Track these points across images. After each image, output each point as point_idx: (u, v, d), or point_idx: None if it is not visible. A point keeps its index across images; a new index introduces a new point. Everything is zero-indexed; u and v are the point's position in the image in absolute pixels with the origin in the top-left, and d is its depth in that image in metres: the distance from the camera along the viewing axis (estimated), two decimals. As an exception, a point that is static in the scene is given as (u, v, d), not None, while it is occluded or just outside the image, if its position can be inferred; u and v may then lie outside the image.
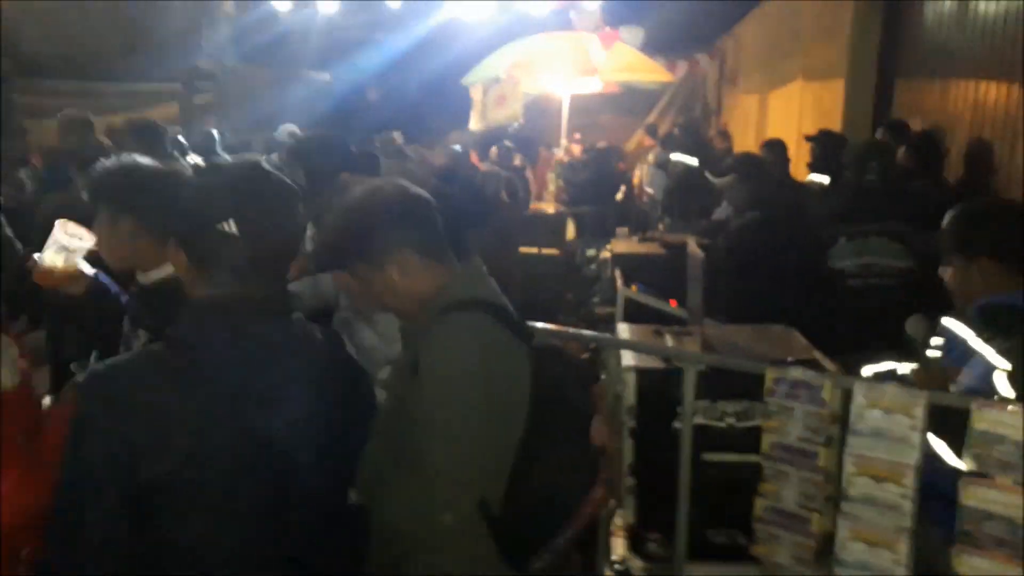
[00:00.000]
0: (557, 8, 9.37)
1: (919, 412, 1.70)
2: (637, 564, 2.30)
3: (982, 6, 5.10)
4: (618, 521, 2.45)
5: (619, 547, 2.39)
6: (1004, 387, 1.90)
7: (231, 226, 1.38)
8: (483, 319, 1.58)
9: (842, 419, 1.86)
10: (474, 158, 7.55)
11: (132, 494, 1.29)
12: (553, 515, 1.59)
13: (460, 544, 1.56)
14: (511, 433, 1.57)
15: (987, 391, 1.88)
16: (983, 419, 1.62)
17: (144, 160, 2.07)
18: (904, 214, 3.60)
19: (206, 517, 1.33)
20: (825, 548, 1.87)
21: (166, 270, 1.90)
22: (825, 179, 5.55)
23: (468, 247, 1.83)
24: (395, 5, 10.09)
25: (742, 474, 2.22)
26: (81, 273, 2.09)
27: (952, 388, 1.94)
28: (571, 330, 2.27)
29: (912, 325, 2.36)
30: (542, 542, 1.59)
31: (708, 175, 4.86)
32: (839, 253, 3.52)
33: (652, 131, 10.22)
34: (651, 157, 8.28)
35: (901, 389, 1.72)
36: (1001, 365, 1.91)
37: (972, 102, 5.10)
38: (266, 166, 1.47)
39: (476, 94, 8.43)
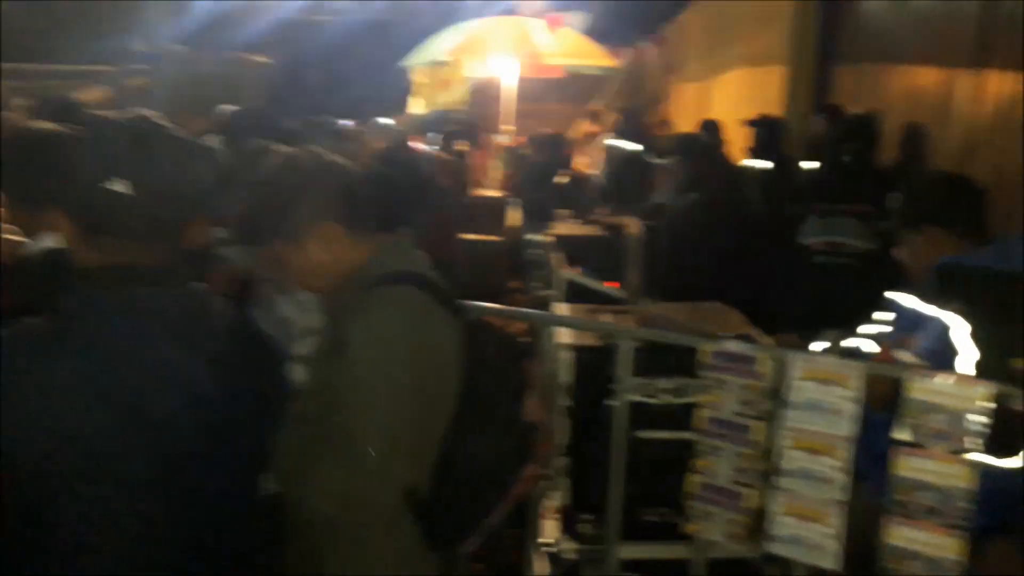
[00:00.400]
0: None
1: (854, 383, 1.66)
2: (569, 546, 2.23)
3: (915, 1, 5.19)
4: (550, 503, 2.38)
5: (551, 529, 2.32)
6: (965, 346, 1.92)
7: (120, 185, 1.25)
8: (413, 292, 1.49)
9: (777, 393, 1.82)
10: (417, 142, 7.40)
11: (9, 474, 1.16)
12: (483, 495, 1.51)
13: (386, 531, 1.47)
14: (441, 411, 1.48)
15: (946, 352, 1.90)
16: (918, 389, 1.58)
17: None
18: (875, 196, 3.64)
19: (88, 498, 1.21)
20: (758, 524, 1.83)
21: (48, 241, 1.75)
22: (766, 164, 5.59)
23: (404, 227, 1.73)
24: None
25: (676, 451, 2.18)
26: None
27: (908, 355, 1.93)
28: (506, 308, 2.18)
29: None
30: (472, 524, 1.51)
31: (650, 156, 4.83)
32: (809, 230, 3.57)
33: (596, 118, 10.19)
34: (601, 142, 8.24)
35: (836, 360, 1.68)
36: (957, 325, 1.93)
37: (907, 88, 5.17)
38: (156, 119, 1.34)
39: (419, 77, 8.27)
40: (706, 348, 1.84)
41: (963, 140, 4.41)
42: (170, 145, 1.31)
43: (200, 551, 1.33)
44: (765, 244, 3.64)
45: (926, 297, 2.12)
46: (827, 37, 6.73)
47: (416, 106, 8.50)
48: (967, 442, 1.53)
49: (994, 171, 3.78)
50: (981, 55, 4.33)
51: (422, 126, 7.95)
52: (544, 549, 2.22)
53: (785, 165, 5.78)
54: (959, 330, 1.94)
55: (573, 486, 2.31)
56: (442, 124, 7.92)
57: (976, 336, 1.90)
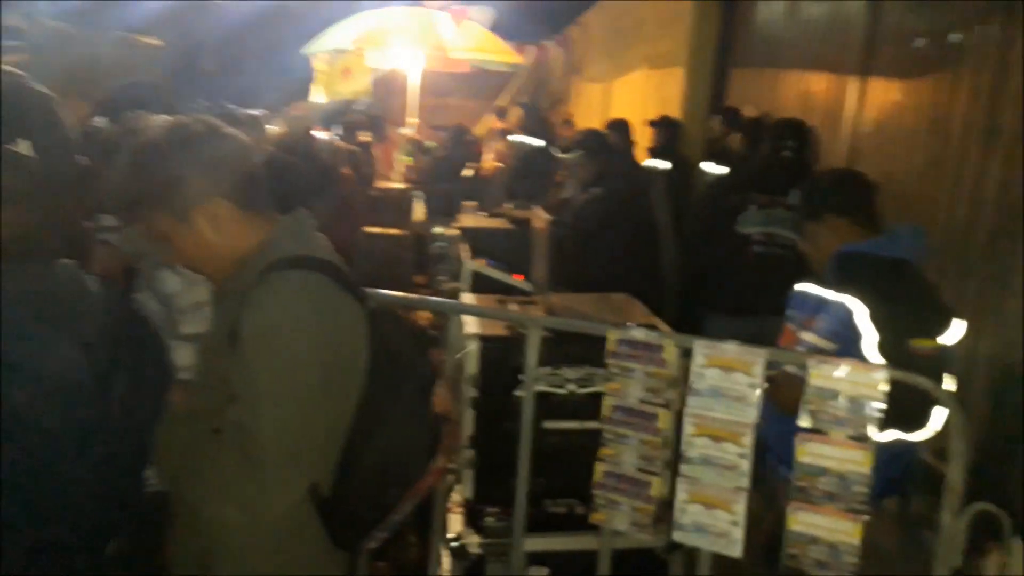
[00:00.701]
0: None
1: (758, 370, 1.67)
2: (474, 540, 2.18)
3: (810, 5, 5.40)
4: (455, 497, 2.32)
5: (456, 524, 2.26)
6: (867, 328, 2.03)
7: (25, 147, 1.12)
8: (315, 277, 1.38)
9: (683, 382, 1.82)
10: (318, 131, 7.19)
11: None
12: (390, 489, 1.43)
13: (288, 532, 1.37)
14: (345, 403, 1.39)
15: (850, 334, 1.99)
16: (818, 376, 1.61)
17: None
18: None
19: None
20: (663, 513, 1.83)
21: None
22: (666, 164, 5.71)
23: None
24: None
25: (581, 441, 2.16)
26: None
27: (808, 335, 2.01)
28: (413, 296, 2.10)
29: None
30: (377, 520, 1.43)
31: (554, 151, 4.85)
32: (749, 220, 3.77)
33: (502, 114, 10.19)
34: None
35: (740, 347, 1.69)
36: (858, 308, 2.04)
37: (801, 91, 5.38)
38: (23, 77, 1.21)
39: (320, 65, 8.04)
40: (612, 335, 1.83)
41: (850, 142, 4.62)
42: (45, 104, 1.18)
43: (71, 550, 1.20)
44: (696, 235, 3.83)
45: (828, 283, 2.22)
46: (725, 41, 6.94)
47: (318, 95, 8.25)
48: (865, 427, 1.57)
49: (878, 172, 3.98)
50: (867, 62, 4.55)
51: (324, 116, 7.73)
52: (449, 544, 2.17)
53: (684, 164, 5.93)
54: (861, 313, 2.04)
55: (478, 479, 2.26)
56: (344, 114, 7.72)
57: (875, 318, 2.01)
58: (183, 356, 1.88)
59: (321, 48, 8.10)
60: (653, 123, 6.33)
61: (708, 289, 3.87)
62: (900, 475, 2.22)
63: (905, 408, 1.80)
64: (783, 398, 1.74)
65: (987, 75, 3.53)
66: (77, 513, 1.20)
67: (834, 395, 1.59)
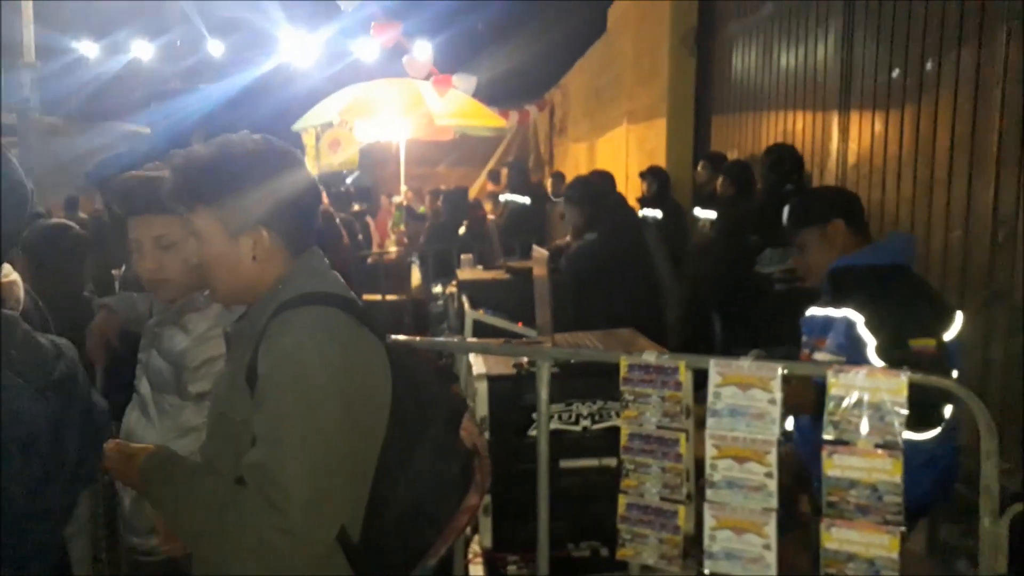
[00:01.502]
0: (388, 55, 9.34)
1: (775, 384, 1.64)
2: (496, 589, 2.10)
3: (784, 50, 5.55)
4: (474, 547, 2.24)
5: (478, 572, 2.18)
6: (868, 335, 2.05)
7: None
8: (332, 312, 1.33)
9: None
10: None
11: None
12: (422, 530, 1.35)
13: None
14: (372, 440, 1.32)
15: (856, 344, 1.98)
16: (837, 384, 1.58)
17: None
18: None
19: None
20: (693, 545, 1.77)
21: None
22: (657, 212, 5.77)
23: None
24: (217, 52, 9.69)
25: (601, 480, 2.11)
26: None
27: (820, 355, 2.00)
28: (419, 339, 2.08)
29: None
30: (411, 563, 1.36)
31: (548, 205, 4.89)
32: (766, 260, 3.95)
33: (495, 177, 10.34)
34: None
35: (754, 363, 1.66)
36: (858, 319, 2.06)
37: (784, 131, 5.47)
38: None
39: (308, 139, 8.15)
40: (624, 361, 1.80)
41: (837, 175, 4.68)
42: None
43: None
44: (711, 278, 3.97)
45: (827, 302, 2.23)
46: (703, 91, 7.11)
47: (310, 168, 8.34)
48: (890, 434, 1.53)
49: (867, 201, 4.02)
50: (846, 97, 4.65)
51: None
52: (470, 595, 2.09)
53: (677, 211, 6.00)
54: (861, 323, 2.05)
55: (495, 525, 2.19)
56: (337, 185, 7.81)
57: (871, 324, 2.01)
58: (192, 416, 1.84)
59: (309, 123, 8.23)
60: (643, 174, 6.43)
61: (736, 329, 3.97)
62: (928, 496, 2.18)
63: (913, 407, 1.78)
64: (792, 397, 1.71)
65: (966, 99, 3.60)
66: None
67: (857, 403, 1.56)
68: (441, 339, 2.13)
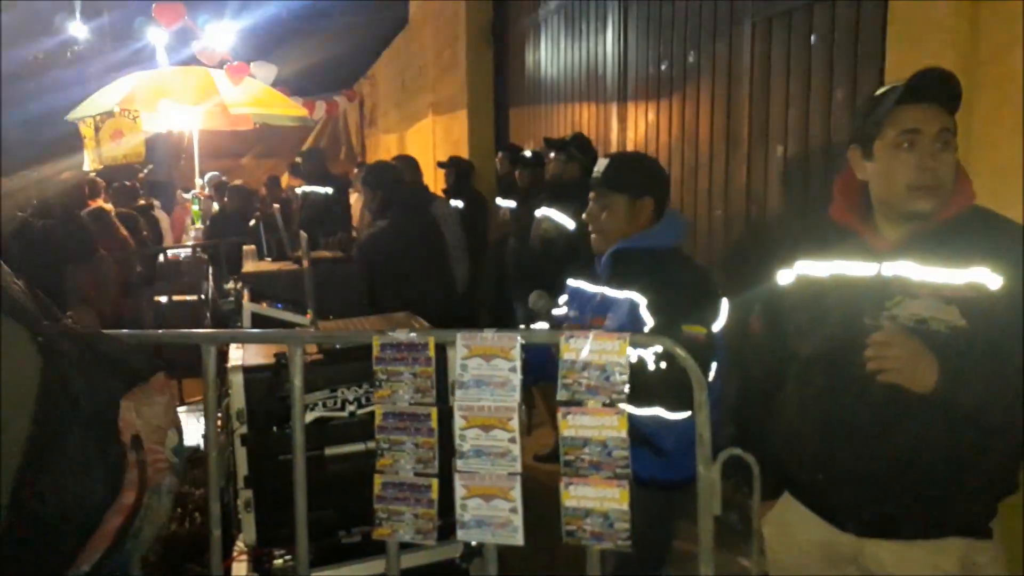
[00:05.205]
0: (179, 42, 8.79)
1: (516, 353, 1.69)
2: (258, 583, 2.03)
3: (569, 46, 5.78)
4: (240, 544, 2.16)
5: (241, 571, 2.10)
6: (647, 317, 2.11)
7: None
8: None
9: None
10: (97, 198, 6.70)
11: None
12: (67, 534, 1.25)
13: None
14: (6, 436, 1.20)
15: (636, 325, 2.08)
16: (568, 349, 1.66)
17: None
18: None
19: None
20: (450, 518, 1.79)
21: None
22: (459, 202, 5.82)
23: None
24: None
25: (368, 463, 2.08)
26: None
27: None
28: (154, 331, 1.96)
29: (535, 300, 2.43)
30: (58, 569, 1.25)
31: (342, 195, 4.79)
32: (533, 300, 4.03)
33: (295, 170, 10.01)
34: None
35: (497, 333, 1.70)
36: (641, 300, 2.12)
37: (572, 121, 5.70)
38: None
39: (86, 130, 7.51)
40: (376, 340, 1.79)
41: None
42: None
43: None
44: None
45: (605, 281, 2.30)
46: (500, 84, 7.28)
47: (90, 162, 7.69)
48: (616, 393, 1.62)
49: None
50: (622, 90, 4.92)
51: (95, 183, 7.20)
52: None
53: (479, 201, 6.09)
54: (644, 304, 2.13)
55: (260, 521, 2.12)
56: (123, 180, 7.27)
57: (651, 307, 2.10)
58: None
59: (86, 113, 7.58)
60: (441, 164, 6.46)
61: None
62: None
63: (672, 390, 1.89)
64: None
65: (721, 88, 3.92)
66: None
67: (585, 366, 1.64)
68: (182, 331, 2.01)
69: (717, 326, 2.21)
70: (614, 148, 4.99)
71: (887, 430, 1.67)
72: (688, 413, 2.02)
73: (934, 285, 1.63)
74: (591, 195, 2.36)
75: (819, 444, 1.77)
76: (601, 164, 2.35)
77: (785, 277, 1.87)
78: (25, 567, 1.19)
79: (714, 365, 2.14)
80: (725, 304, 2.26)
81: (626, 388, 1.63)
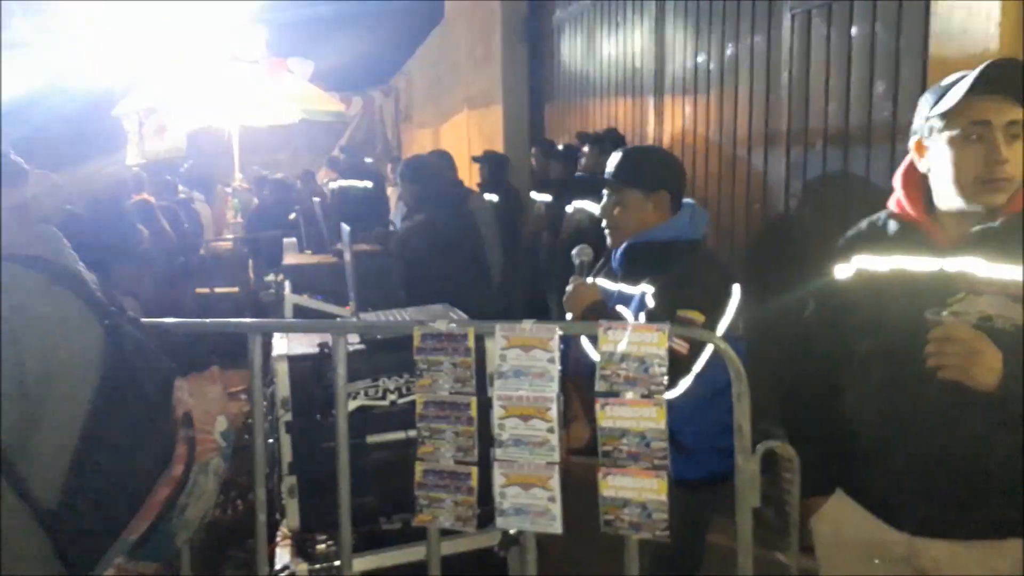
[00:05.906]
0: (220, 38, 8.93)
1: (554, 344, 1.72)
2: (302, 567, 2.08)
3: (605, 40, 5.77)
4: (284, 530, 2.22)
5: (285, 556, 2.16)
6: (649, 302, 2.13)
7: None
8: (16, 271, 1.30)
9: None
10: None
11: None
12: (122, 502, 1.33)
13: (12, 558, 1.24)
14: (69, 407, 1.29)
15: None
16: (607, 340, 1.68)
17: None
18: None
19: None
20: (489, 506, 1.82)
21: None
22: (494, 196, 5.85)
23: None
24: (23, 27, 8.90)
25: (409, 451, 2.13)
26: None
27: None
28: (198, 320, 2.02)
29: (578, 252, 2.40)
30: (110, 535, 1.32)
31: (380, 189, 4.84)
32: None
33: (334, 163, 10.13)
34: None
35: (536, 324, 1.73)
36: (649, 289, 2.14)
37: (608, 116, 5.70)
38: None
39: (130, 125, 7.68)
40: (417, 331, 1.83)
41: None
42: None
43: None
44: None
45: (620, 276, 2.30)
46: (536, 78, 7.28)
47: (132, 156, 7.87)
48: (655, 384, 1.64)
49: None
50: (659, 84, 4.90)
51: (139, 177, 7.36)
52: (277, 573, 2.06)
53: (513, 195, 6.12)
54: (651, 293, 2.15)
55: (304, 507, 2.17)
56: (164, 175, 7.42)
57: (655, 295, 2.11)
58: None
59: (130, 108, 7.75)
60: (476, 159, 6.49)
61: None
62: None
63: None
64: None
65: (760, 81, 3.89)
66: None
67: (624, 357, 1.66)
68: (228, 320, 2.07)
69: (726, 318, 2.18)
70: (651, 141, 4.98)
71: (947, 427, 1.62)
72: (673, 392, 2.01)
73: (1001, 282, 1.58)
74: (604, 191, 2.35)
75: (877, 441, 1.73)
76: (613, 159, 2.35)
77: (843, 271, 1.82)
78: (84, 532, 1.26)
79: (706, 353, 2.08)
80: (736, 295, 2.22)
81: (664, 380, 1.64)
